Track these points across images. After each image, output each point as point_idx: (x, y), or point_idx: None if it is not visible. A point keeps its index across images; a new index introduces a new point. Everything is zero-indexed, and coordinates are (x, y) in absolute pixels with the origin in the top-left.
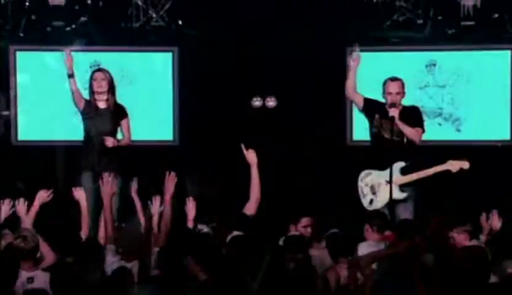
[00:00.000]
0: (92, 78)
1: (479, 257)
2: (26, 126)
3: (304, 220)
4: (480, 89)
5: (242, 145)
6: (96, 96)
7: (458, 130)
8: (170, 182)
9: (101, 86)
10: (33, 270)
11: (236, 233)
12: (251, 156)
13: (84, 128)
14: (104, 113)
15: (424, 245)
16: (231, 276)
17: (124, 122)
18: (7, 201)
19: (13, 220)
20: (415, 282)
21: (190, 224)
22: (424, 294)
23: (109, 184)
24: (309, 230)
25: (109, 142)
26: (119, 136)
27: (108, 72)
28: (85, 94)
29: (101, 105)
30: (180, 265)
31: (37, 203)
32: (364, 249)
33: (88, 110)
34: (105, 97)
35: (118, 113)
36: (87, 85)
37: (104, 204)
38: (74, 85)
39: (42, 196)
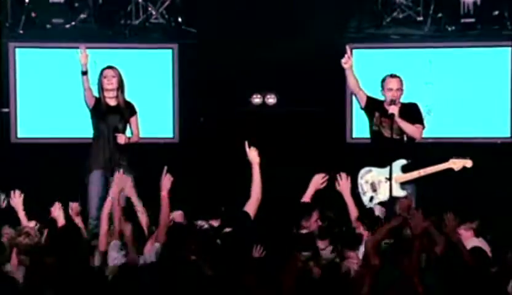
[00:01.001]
0: (101, 75)
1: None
2: (25, 124)
3: (316, 214)
4: (479, 86)
5: (246, 143)
6: (106, 94)
7: (448, 129)
8: (167, 179)
9: (112, 83)
10: None
11: (226, 230)
12: (253, 155)
13: (94, 126)
14: (114, 110)
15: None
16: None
17: (132, 119)
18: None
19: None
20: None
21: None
22: (420, 286)
23: (123, 180)
24: (319, 223)
25: (122, 139)
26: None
27: (117, 69)
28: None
29: (111, 102)
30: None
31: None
32: None
33: (99, 108)
34: (115, 94)
35: (128, 110)
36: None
37: (118, 200)
38: (87, 82)
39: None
